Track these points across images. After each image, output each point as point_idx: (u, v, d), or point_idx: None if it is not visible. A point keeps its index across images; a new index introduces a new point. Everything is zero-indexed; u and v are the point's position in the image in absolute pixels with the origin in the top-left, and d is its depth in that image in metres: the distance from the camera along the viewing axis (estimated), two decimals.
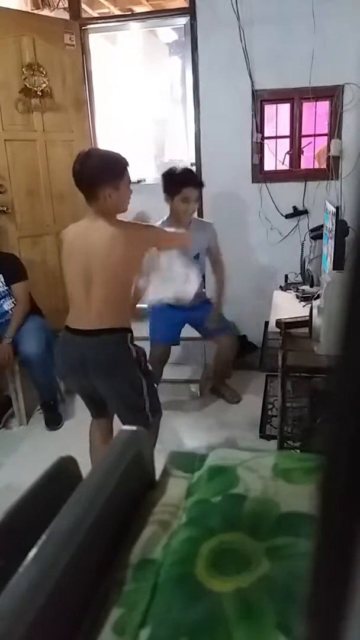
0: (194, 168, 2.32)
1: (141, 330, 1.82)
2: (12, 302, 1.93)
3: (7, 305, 1.93)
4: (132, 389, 1.21)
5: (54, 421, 1.96)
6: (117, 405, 1.25)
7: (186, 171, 1.73)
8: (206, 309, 1.97)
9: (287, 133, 2.18)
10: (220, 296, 1.97)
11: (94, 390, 1.23)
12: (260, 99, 2.13)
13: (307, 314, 1.23)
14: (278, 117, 2.19)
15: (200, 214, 2.32)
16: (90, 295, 1.18)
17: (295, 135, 2.17)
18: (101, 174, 1.15)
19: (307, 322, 1.22)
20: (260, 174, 2.21)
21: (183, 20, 2.20)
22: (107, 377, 1.18)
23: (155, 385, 1.33)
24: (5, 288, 1.92)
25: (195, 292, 1.91)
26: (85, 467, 0.51)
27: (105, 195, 1.16)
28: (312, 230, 2.03)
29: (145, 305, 1.62)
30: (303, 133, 2.17)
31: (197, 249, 1.87)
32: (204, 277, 2.03)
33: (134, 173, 2.33)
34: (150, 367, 1.28)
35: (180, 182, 1.69)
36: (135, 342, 1.24)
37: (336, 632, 0.17)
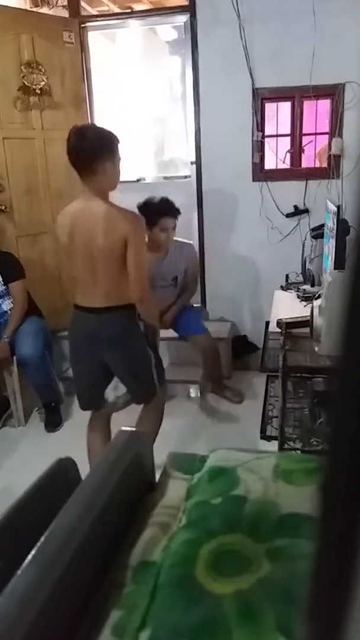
0: (194, 167, 2.31)
1: None
2: (11, 302, 1.92)
3: (6, 305, 1.92)
4: (142, 360, 1.29)
5: (53, 423, 1.95)
6: (127, 376, 1.31)
7: (163, 201, 1.76)
8: (186, 311, 1.98)
9: (288, 131, 2.17)
10: (176, 307, 1.96)
11: (100, 367, 1.29)
12: (261, 97, 2.12)
13: (308, 313, 1.23)
14: (279, 115, 2.18)
15: (201, 213, 2.32)
16: (96, 275, 1.22)
17: (296, 134, 2.16)
18: (100, 147, 1.16)
19: (308, 322, 1.22)
20: (260, 173, 2.20)
21: (183, 18, 2.19)
22: (119, 349, 1.26)
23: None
24: (4, 287, 1.91)
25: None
26: (83, 468, 0.51)
27: (103, 169, 1.17)
28: (313, 230, 2.02)
29: None
30: (304, 131, 2.16)
31: (175, 272, 1.90)
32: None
33: (133, 171, 2.32)
34: (155, 341, 1.35)
35: (157, 212, 1.73)
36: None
37: (337, 633, 0.16)
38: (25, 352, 1.85)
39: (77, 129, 1.19)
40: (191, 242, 1.96)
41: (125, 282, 1.23)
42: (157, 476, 0.53)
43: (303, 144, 2.20)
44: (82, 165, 1.18)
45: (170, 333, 2.19)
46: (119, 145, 1.22)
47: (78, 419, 1.95)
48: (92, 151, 1.16)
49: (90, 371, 1.32)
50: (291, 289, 1.84)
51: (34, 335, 1.88)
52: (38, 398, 1.97)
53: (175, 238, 1.84)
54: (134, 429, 0.52)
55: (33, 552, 0.37)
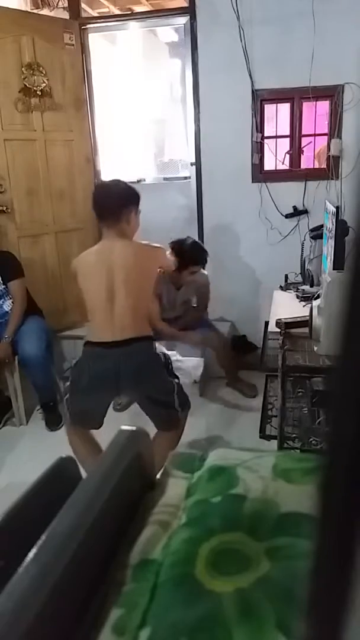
0: (193, 168, 2.32)
1: None
2: (12, 302, 1.92)
3: (7, 305, 1.92)
4: (164, 391, 1.29)
5: (54, 422, 1.96)
6: (148, 406, 1.32)
7: (196, 248, 1.89)
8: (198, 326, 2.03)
9: (287, 133, 2.18)
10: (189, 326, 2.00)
11: (111, 400, 1.34)
12: (260, 99, 2.13)
13: (307, 314, 1.23)
14: (278, 116, 2.19)
15: (201, 214, 2.32)
16: (115, 309, 1.26)
17: (295, 135, 2.17)
18: (126, 200, 1.30)
19: (307, 322, 1.22)
20: (260, 174, 2.21)
21: (183, 20, 2.20)
22: (140, 383, 1.27)
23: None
24: (3, 287, 1.91)
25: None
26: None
27: (127, 219, 1.29)
28: (312, 230, 2.03)
29: None
30: (303, 133, 2.17)
31: (187, 296, 1.99)
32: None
33: (134, 173, 2.32)
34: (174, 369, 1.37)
35: (190, 260, 1.87)
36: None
37: (336, 632, 0.17)
38: (28, 352, 1.85)
39: (104, 184, 1.37)
40: (206, 272, 2.02)
41: (144, 315, 1.31)
42: (157, 475, 0.53)
43: (302, 145, 2.21)
44: (109, 215, 1.29)
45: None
46: (140, 200, 1.32)
47: None
48: (120, 203, 1.28)
49: (102, 404, 1.32)
50: (290, 289, 1.84)
51: (37, 335, 1.88)
52: (38, 397, 1.97)
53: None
54: (134, 428, 0.52)
55: (33, 551, 0.37)
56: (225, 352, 2.10)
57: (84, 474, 0.49)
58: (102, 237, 1.34)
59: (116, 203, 1.28)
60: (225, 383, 2.16)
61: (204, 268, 1.95)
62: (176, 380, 1.32)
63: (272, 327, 1.38)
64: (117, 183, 1.33)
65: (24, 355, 1.85)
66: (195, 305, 2.07)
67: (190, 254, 1.86)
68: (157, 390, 1.29)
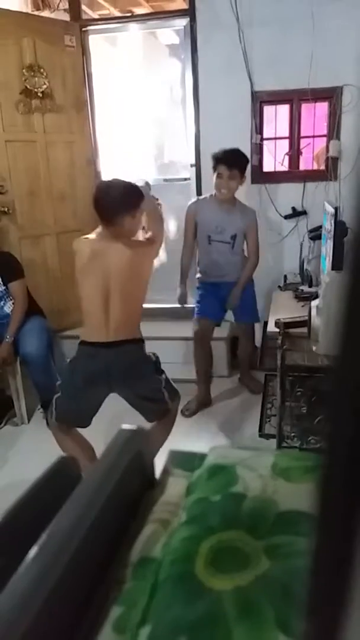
0: (193, 169, 2.32)
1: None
2: (12, 304, 1.93)
3: (8, 307, 1.92)
4: (152, 389, 1.34)
5: None
6: (139, 403, 1.36)
7: (226, 150, 1.83)
8: (244, 291, 1.98)
9: (286, 134, 2.19)
10: (240, 284, 1.97)
11: (103, 399, 1.34)
12: (260, 100, 2.14)
13: (306, 314, 1.24)
14: (277, 118, 2.19)
15: None
16: (109, 311, 1.28)
17: (294, 137, 2.18)
18: (122, 204, 1.27)
19: (305, 322, 1.23)
20: (259, 175, 2.22)
21: (183, 22, 2.20)
22: (130, 382, 1.31)
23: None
24: (3, 288, 1.91)
25: (233, 269, 1.95)
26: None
27: (123, 223, 1.27)
28: (311, 231, 2.04)
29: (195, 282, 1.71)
30: (302, 134, 2.18)
31: (235, 230, 1.91)
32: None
33: (134, 174, 2.33)
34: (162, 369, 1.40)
35: (215, 160, 1.82)
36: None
37: (335, 629, 0.17)
38: (29, 351, 1.86)
39: (104, 185, 1.33)
40: (254, 210, 1.96)
41: (136, 319, 1.33)
42: (157, 474, 0.53)
43: (301, 146, 2.22)
44: (105, 218, 1.29)
45: (173, 333, 2.18)
46: (141, 200, 1.31)
47: None
48: (115, 207, 1.26)
49: (93, 403, 1.34)
50: (289, 290, 1.85)
51: (38, 334, 1.89)
52: (39, 397, 1.97)
53: (240, 200, 1.91)
54: (134, 427, 0.52)
55: (34, 550, 0.37)
56: (251, 347, 2.11)
57: (84, 473, 0.49)
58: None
59: (112, 208, 1.26)
60: (238, 378, 2.17)
61: (231, 177, 1.80)
62: (163, 376, 1.36)
63: (271, 327, 1.39)
64: (118, 184, 1.30)
65: (25, 354, 1.86)
66: (240, 247, 1.93)
67: (219, 153, 1.79)
68: (146, 389, 1.34)
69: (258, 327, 2.17)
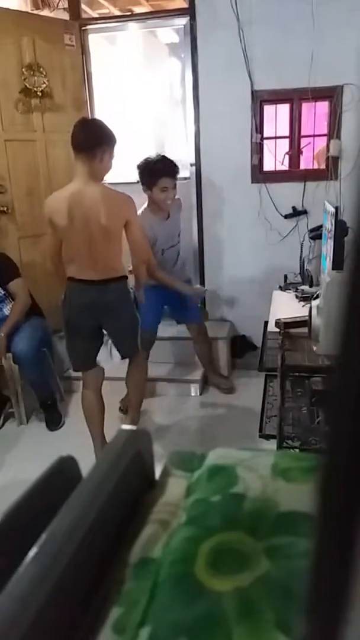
0: (193, 168, 2.32)
1: None
2: (11, 307, 1.93)
3: (8, 310, 1.92)
4: (132, 322, 1.58)
5: (54, 421, 1.96)
6: (119, 336, 1.60)
7: (162, 160, 1.75)
8: (186, 294, 1.99)
9: (287, 133, 2.19)
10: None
11: (95, 331, 1.55)
12: (260, 100, 2.13)
13: (307, 314, 1.24)
14: (277, 117, 2.19)
15: (200, 214, 2.32)
16: (96, 252, 1.41)
17: (295, 136, 2.17)
18: (104, 137, 1.38)
19: (306, 322, 1.23)
20: (259, 175, 2.22)
21: (183, 21, 2.20)
22: (115, 314, 1.51)
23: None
24: (3, 293, 1.91)
25: (179, 269, 1.96)
26: (85, 466, 0.51)
27: (100, 157, 1.37)
28: (311, 231, 2.03)
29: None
30: (302, 133, 2.18)
31: (179, 228, 1.94)
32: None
33: (134, 173, 2.34)
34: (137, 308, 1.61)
35: (157, 173, 1.73)
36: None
37: (336, 631, 0.17)
38: (19, 349, 1.86)
39: (84, 119, 1.48)
40: (178, 197, 1.94)
41: (120, 256, 1.46)
42: (157, 474, 0.53)
43: (301, 145, 2.22)
44: (85, 149, 1.37)
45: (167, 333, 2.19)
46: (115, 146, 1.41)
47: (79, 417, 1.95)
48: (97, 138, 1.37)
49: (88, 335, 1.54)
50: (289, 289, 1.85)
51: (31, 334, 1.90)
52: (36, 397, 1.97)
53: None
54: (134, 427, 0.52)
55: (33, 550, 0.37)
56: (206, 344, 2.10)
57: (84, 473, 0.49)
58: (73, 177, 1.40)
59: (93, 139, 1.36)
60: (203, 378, 2.16)
61: (175, 186, 1.80)
62: (138, 315, 1.60)
63: (271, 327, 1.39)
64: (96, 121, 1.46)
65: (15, 353, 1.86)
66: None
67: (155, 166, 1.74)
68: (128, 321, 1.56)
69: (258, 327, 2.17)
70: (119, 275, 1.48)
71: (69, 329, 1.54)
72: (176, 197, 1.91)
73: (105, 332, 1.59)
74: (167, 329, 2.31)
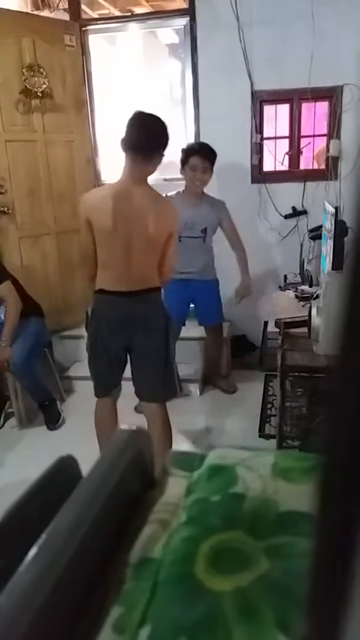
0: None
1: None
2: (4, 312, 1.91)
3: (2, 314, 1.90)
4: (165, 342, 1.33)
5: (53, 420, 1.94)
6: (147, 360, 1.34)
7: (200, 143, 1.84)
8: (211, 290, 1.99)
9: (287, 134, 2.19)
10: (243, 272, 2.01)
11: (124, 349, 1.33)
12: (260, 100, 2.13)
13: (306, 313, 1.24)
14: (277, 117, 2.19)
15: None
16: (132, 262, 1.24)
17: (295, 136, 2.17)
18: (165, 140, 1.22)
19: (306, 322, 1.23)
20: (259, 175, 2.22)
21: (183, 22, 2.20)
22: (149, 330, 1.30)
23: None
24: None
25: (202, 266, 1.95)
26: (85, 466, 0.51)
27: (157, 160, 1.23)
28: (311, 231, 2.04)
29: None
30: (302, 134, 2.18)
31: (205, 224, 1.91)
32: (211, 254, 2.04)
33: None
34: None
35: (188, 151, 1.80)
36: None
37: (335, 630, 0.17)
38: (14, 361, 1.84)
39: (145, 115, 1.22)
40: (223, 201, 1.97)
41: (155, 268, 1.30)
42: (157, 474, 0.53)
43: (301, 146, 2.22)
44: (143, 150, 1.20)
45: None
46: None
47: (79, 416, 1.95)
48: (159, 141, 1.21)
49: (116, 357, 1.33)
50: (289, 289, 1.85)
51: (22, 340, 1.87)
52: (32, 399, 1.96)
53: (207, 192, 1.88)
54: (134, 427, 0.52)
55: (34, 550, 0.37)
56: (219, 346, 2.10)
57: (84, 473, 0.49)
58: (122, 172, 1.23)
59: (155, 142, 1.20)
60: (204, 380, 2.16)
61: (205, 169, 1.79)
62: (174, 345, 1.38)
63: (271, 327, 1.39)
64: (158, 121, 1.22)
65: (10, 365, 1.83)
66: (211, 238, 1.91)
67: (192, 145, 1.80)
68: (162, 338, 1.31)
69: (258, 327, 2.17)
70: (153, 285, 1.30)
71: (96, 351, 1.31)
72: (222, 200, 1.91)
73: (130, 359, 1.34)
74: None
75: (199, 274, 1.96)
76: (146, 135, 1.19)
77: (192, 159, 1.78)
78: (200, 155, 1.78)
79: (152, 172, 1.26)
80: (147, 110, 1.25)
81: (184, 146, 1.84)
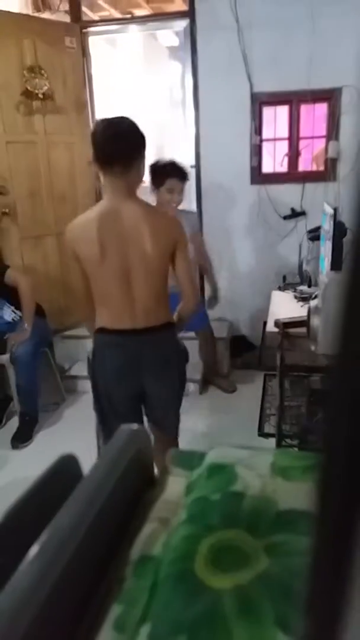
0: (193, 170, 2.32)
1: None
2: (12, 311, 1.91)
3: (8, 315, 1.91)
4: (180, 387, 1.15)
5: (22, 438, 1.82)
6: (163, 405, 1.16)
7: (171, 163, 1.75)
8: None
9: (286, 135, 2.19)
10: (210, 281, 2.01)
11: (138, 393, 1.12)
12: (259, 102, 2.14)
13: (305, 314, 1.24)
14: (276, 119, 2.20)
15: (200, 215, 2.33)
16: (132, 292, 1.03)
17: (294, 138, 2.18)
18: (139, 139, 1.01)
19: (305, 322, 1.23)
20: (258, 176, 2.22)
21: (183, 24, 2.21)
22: (160, 374, 1.10)
23: None
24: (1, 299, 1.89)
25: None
26: (86, 465, 0.51)
27: (139, 165, 1.02)
28: (310, 232, 2.04)
29: None
30: (301, 135, 2.18)
31: None
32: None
33: None
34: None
35: (164, 174, 1.71)
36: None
37: (334, 628, 0.17)
38: (19, 353, 1.84)
39: (112, 121, 1.01)
40: (195, 211, 1.93)
41: (166, 295, 1.08)
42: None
43: (300, 147, 2.22)
44: (119, 161, 0.98)
45: None
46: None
47: (79, 416, 1.95)
48: (133, 144, 1.00)
49: (122, 403, 1.11)
50: (288, 290, 1.85)
51: (30, 339, 1.87)
52: (17, 405, 1.87)
53: (180, 208, 1.81)
54: (134, 426, 0.52)
55: (35, 548, 0.37)
56: (211, 345, 2.09)
57: (85, 471, 0.49)
58: (102, 194, 1.04)
59: (130, 147, 0.99)
60: (203, 379, 2.16)
61: (182, 190, 1.70)
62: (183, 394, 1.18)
63: (270, 327, 1.39)
64: (124, 121, 1.01)
65: (14, 353, 1.82)
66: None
67: (165, 166, 1.69)
68: (176, 382, 1.12)
69: (257, 327, 2.17)
70: (164, 321, 1.07)
71: (100, 402, 1.12)
72: (194, 210, 1.87)
73: (144, 402, 1.15)
74: None
75: (175, 286, 1.92)
76: (115, 144, 0.98)
77: (169, 181, 1.70)
78: (177, 177, 1.71)
79: (139, 182, 1.05)
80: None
81: (154, 163, 1.70)
